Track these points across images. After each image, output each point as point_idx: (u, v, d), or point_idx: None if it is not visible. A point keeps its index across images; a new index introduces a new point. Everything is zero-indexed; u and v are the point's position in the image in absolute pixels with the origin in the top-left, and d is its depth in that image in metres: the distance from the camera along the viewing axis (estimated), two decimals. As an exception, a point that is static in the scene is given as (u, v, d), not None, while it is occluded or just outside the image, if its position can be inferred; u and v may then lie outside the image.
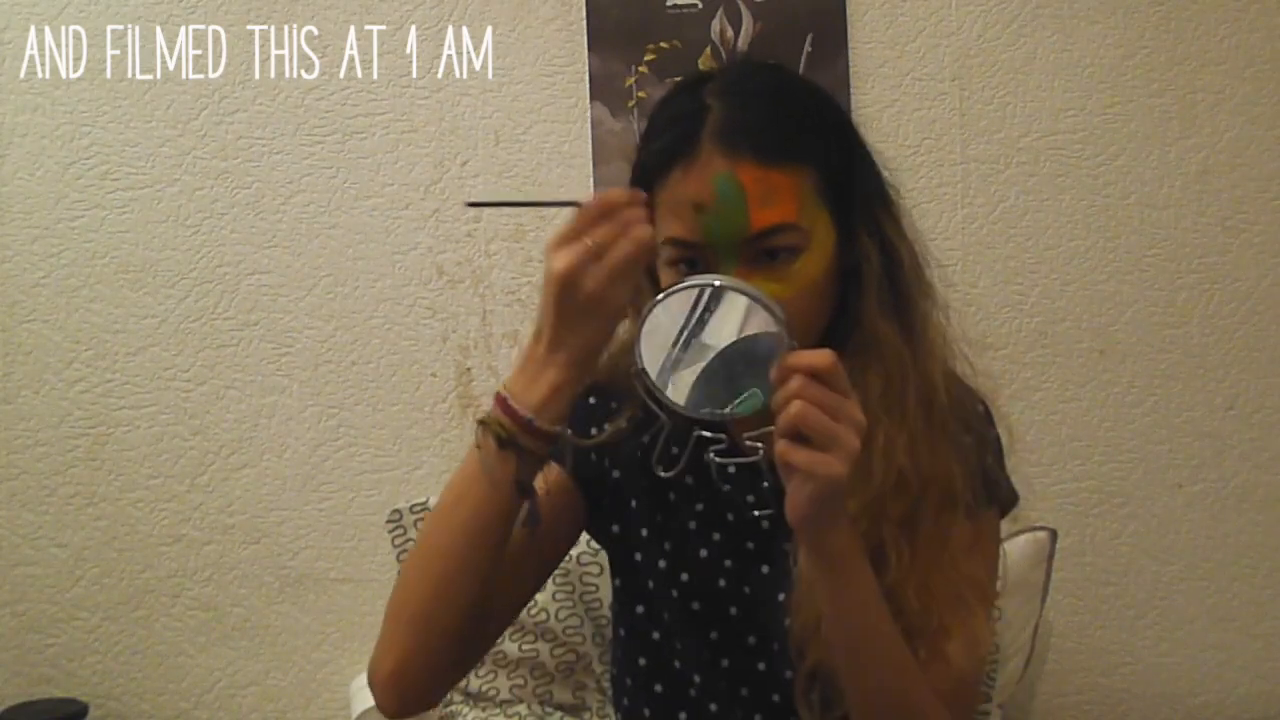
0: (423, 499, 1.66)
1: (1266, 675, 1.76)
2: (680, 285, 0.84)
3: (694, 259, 0.91)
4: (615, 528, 1.08)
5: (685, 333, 0.85)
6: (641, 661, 1.09)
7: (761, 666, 1.04)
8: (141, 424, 1.75)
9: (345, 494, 1.75)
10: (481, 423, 0.90)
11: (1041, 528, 1.59)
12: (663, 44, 1.73)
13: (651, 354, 0.86)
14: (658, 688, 1.08)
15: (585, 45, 1.74)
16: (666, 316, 0.85)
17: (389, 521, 1.65)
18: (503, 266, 1.75)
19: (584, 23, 1.73)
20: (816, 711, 0.94)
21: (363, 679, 1.68)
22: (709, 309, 0.84)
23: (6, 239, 1.74)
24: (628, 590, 1.10)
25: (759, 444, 0.85)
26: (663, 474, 0.94)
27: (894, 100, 1.71)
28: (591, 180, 1.74)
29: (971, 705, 1.03)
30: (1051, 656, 1.76)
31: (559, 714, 1.54)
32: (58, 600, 1.75)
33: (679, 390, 0.86)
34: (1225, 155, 1.73)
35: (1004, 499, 1.03)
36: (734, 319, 0.84)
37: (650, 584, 1.07)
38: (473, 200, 1.11)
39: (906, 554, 0.93)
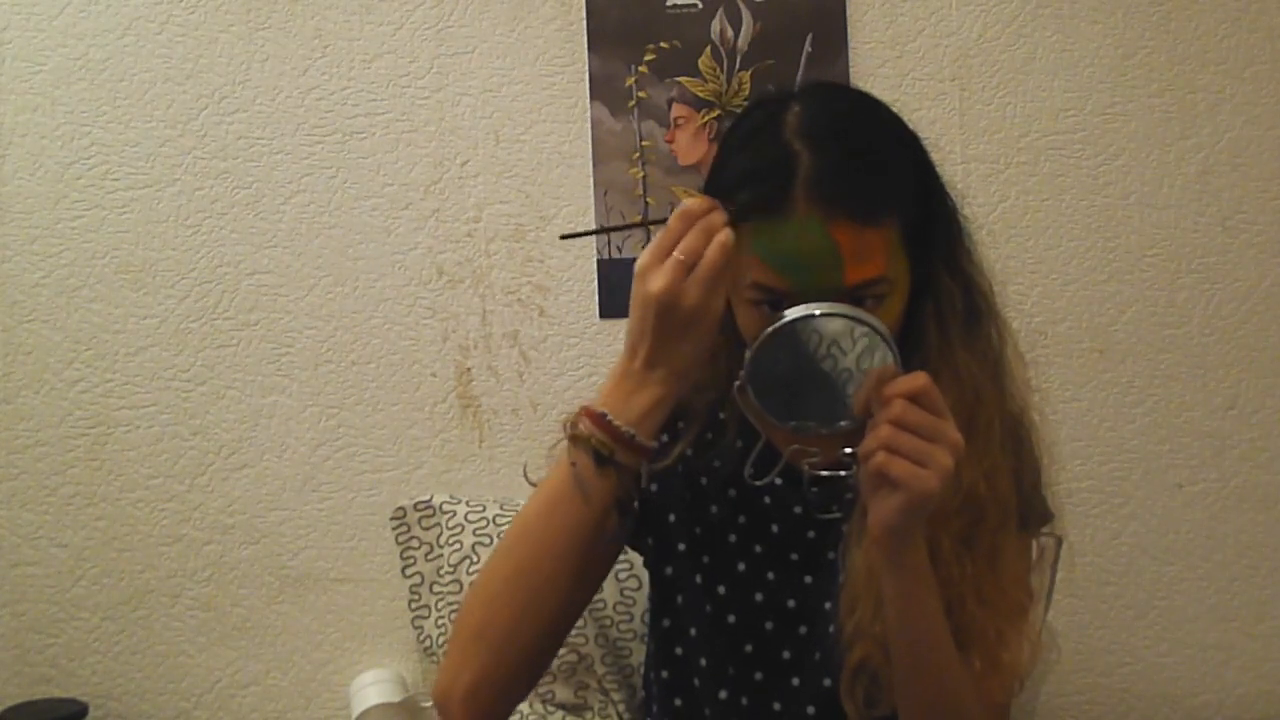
0: (426, 497, 1.67)
1: (1266, 675, 1.76)
2: (792, 314, 0.87)
3: (778, 302, 0.91)
4: (650, 540, 1.08)
5: (796, 355, 0.88)
6: (664, 674, 1.09)
7: (796, 681, 1.04)
8: (141, 424, 1.75)
9: (345, 494, 1.75)
10: (574, 438, 0.90)
11: (1047, 533, 1.59)
12: (663, 44, 1.73)
13: (757, 373, 0.89)
14: (677, 701, 1.08)
15: (585, 45, 1.74)
16: (777, 340, 0.88)
17: (393, 519, 1.66)
18: (503, 266, 1.75)
19: (584, 23, 1.73)
20: (861, 707, 0.96)
21: (363, 679, 1.70)
22: (818, 333, 0.87)
23: (6, 239, 1.74)
24: (657, 602, 1.11)
25: (853, 458, 0.87)
26: (757, 483, 0.97)
27: (894, 100, 1.67)
28: (591, 181, 1.74)
29: (1008, 713, 1.05)
30: (1052, 657, 1.75)
31: (560, 713, 1.54)
32: (58, 600, 1.75)
33: (782, 408, 0.89)
34: (1225, 155, 1.73)
35: (1043, 518, 1.10)
36: (842, 342, 0.87)
37: (679, 599, 1.08)
38: (565, 234, 1.17)
39: (969, 566, 0.95)
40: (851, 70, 1.72)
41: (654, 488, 1.06)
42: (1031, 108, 1.74)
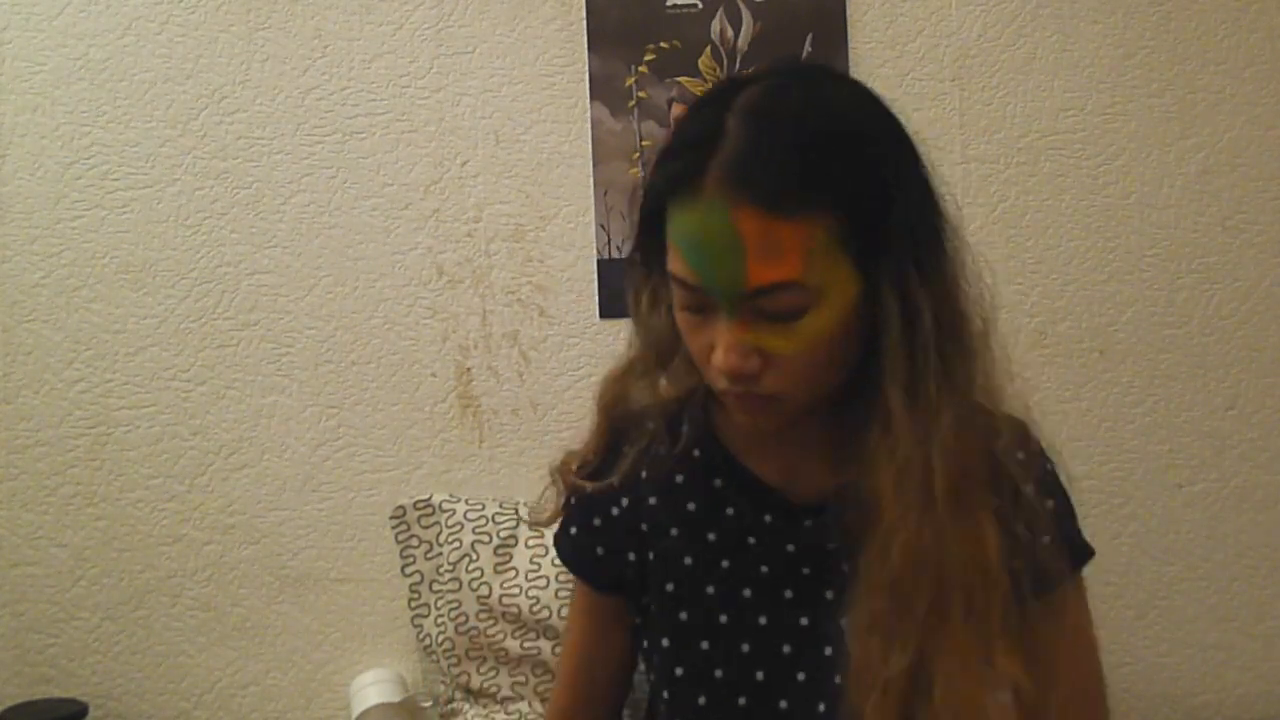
0: (426, 496, 1.67)
1: (1266, 675, 1.76)
2: None
3: (701, 305, 0.85)
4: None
5: None
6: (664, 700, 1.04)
7: None
8: (141, 424, 1.75)
9: (345, 494, 1.75)
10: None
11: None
12: (663, 44, 1.73)
13: None
14: None
15: (585, 45, 1.74)
16: None
17: (393, 518, 1.66)
18: (503, 266, 1.75)
19: (584, 23, 1.73)
20: None
21: (363, 679, 1.70)
22: None
23: (6, 239, 1.74)
24: (647, 641, 1.05)
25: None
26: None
27: (894, 100, 1.68)
28: (591, 181, 1.74)
29: None
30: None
31: (559, 714, 1.53)
32: (58, 600, 1.75)
33: None
34: (1225, 155, 1.73)
35: (1081, 557, 0.99)
36: None
37: (655, 658, 1.01)
38: None
39: (946, 640, 0.83)
40: (851, 70, 1.72)
41: (644, 527, 1.01)
42: (1031, 108, 1.74)
